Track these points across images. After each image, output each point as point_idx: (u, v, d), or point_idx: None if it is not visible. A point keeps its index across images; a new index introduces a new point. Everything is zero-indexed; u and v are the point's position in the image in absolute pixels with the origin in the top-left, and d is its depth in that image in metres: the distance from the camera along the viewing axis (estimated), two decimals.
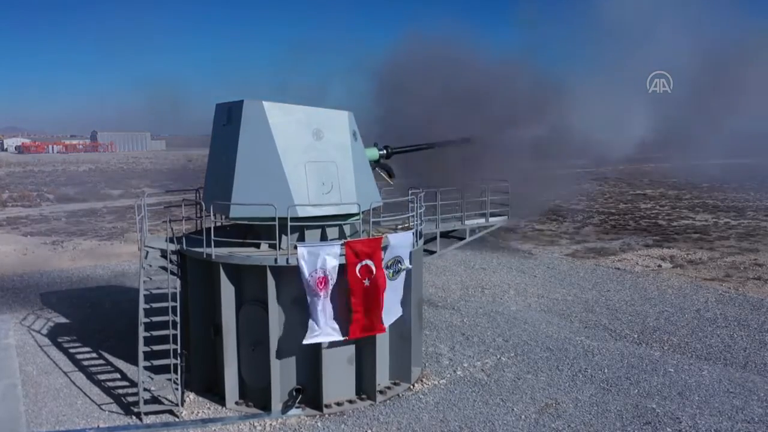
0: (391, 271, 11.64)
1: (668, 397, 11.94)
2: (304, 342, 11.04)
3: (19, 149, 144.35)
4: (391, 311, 11.79)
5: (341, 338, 11.23)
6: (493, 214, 15.66)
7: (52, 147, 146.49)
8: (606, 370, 13.31)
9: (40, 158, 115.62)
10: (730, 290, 20.03)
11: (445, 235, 15.09)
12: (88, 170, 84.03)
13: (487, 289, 20.67)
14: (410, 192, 13.31)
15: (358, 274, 11.04)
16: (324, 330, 11.05)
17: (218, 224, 12.94)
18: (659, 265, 23.96)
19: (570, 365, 13.63)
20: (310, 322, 11.01)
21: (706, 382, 12.63)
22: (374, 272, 11.16)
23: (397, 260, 11.68)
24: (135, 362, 12.10)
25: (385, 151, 14.93)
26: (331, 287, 10.97)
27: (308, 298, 10.97)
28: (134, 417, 11.43)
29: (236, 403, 11.94)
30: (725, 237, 30.17)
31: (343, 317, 11.20)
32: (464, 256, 24.95)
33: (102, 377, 13.24)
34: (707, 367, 13.54)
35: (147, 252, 12.19)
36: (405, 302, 12.25)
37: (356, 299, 11.14)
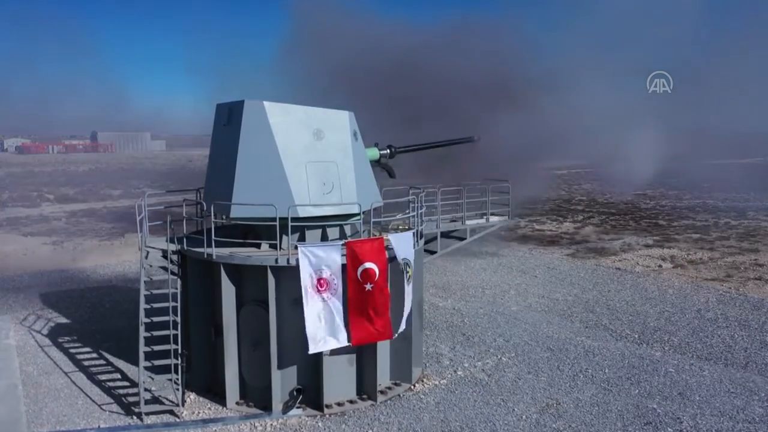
0: (405, 276, 11.57)
1: (669, 398, 11.93)
2: (310, 352, 10.96)
3: (20, 149, 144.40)
4: (403, 320, 11.75)
5: (346, 344, 11.17)
6: (493, 214, 15.69)
7: (52, 147, 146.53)
8: (607, 371, 13.30)
9: (40, 158, 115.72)
10: (731, 290, 20.02)
11: (445, 235, 15.10)
12: (88, 170, 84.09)
13: (487, 289, 20.66)
14: (411, 192, 13.34)
15: (360, 278, 10.97)
16: (327, 335, 10.97)
17: (219, 224, 12.93)
18: (660, 265, 23.95)
19: (571, 365, 13.62)
20: (311, 328, 10.87)
21: (707, 383, 12.62)
22: (377, 276, 11.06)
23: (407, 263, 11.64)
24: (135, 362, 12.11)
25: (387, 151, 14.93)
26: (333, 289, 10.94)
27: (306, 302, 10.82)
28: (135, 417, 11.41)
29: (237, 403, 11.93)
30: (725, 237, 30.17)
31: (346, 322, 11.13)
32: (465, 256, 24.93)
33: (102, 377, 13.23)
34: (708, 367, 13.53)
35: (147, 252, 12.18)
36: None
37: (359, 304, 11.05)
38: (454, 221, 15.16)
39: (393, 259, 11.51)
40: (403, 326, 11.84)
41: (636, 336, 15.71)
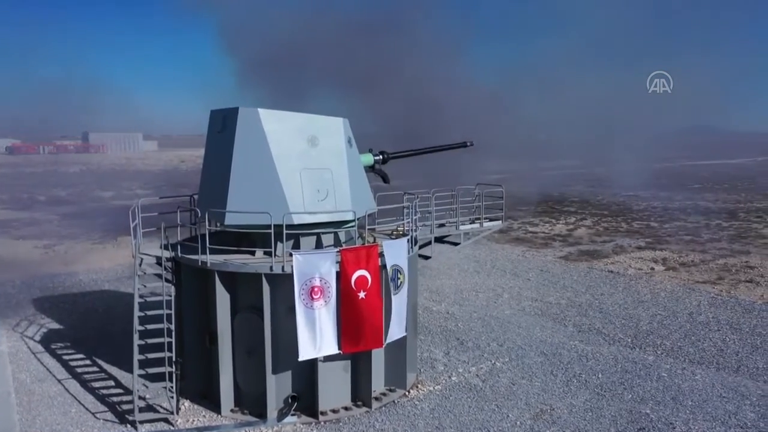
0: (394, 284, 11.62)
1: (662, 402, 12.02)
2: (300, 359, 10.96)
3: (10, 150, 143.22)
4: (395, 329, 11.75)
5: (336, 352, 11.19)
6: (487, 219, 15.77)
7: (43, 147, 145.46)
8: (600, 375, 13.38)
9: (30, 159, 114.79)
10: (722, 293, 20.16)
11: (439, 240, 15.15)
12: (79, 171, 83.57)
13: (481, 292, 20.72)
14: (405, 197, 13.38)
15: (354, 286, 10.99)
16: (318, 342, 10.98)
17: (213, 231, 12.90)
18: (652, 268, 24.09)
19: (564, 370, 13.69)
20: (303, 335, 10.88)
21: (699, 387, 12.72)
22: (370, 283, 11.10)
23: (396, 270, 11.66)
24: (129, 369, 12.06)
25: (380, 157, 14.96)
26: (326, 297, 10.95)
27: (299, 310, 10.82)
28: (129, 425, 11.39)
29: (231, 410, 11.92)
30: (717, 239, 30.38)
31: (338, 329, 11.15)
32: (458, 260, 25.00)
33: (96, 385, 13.18)
34: (700, 371, 13.64)
35: (141, 259, 12.15)
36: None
37: (351, 311, 11.06)
38: (442, 226, 15.20)
39: (386, 266, 11.54)
40: (396, 335, 11.85)
41: (629, 340, 15.81)
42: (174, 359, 11.53)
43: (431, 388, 12.85)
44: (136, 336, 11.47)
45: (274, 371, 11.56)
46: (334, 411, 11.76)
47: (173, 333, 11.51)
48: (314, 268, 10.88)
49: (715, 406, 11.85)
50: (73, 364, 14.35)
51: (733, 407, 11.79)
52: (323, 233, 12.16)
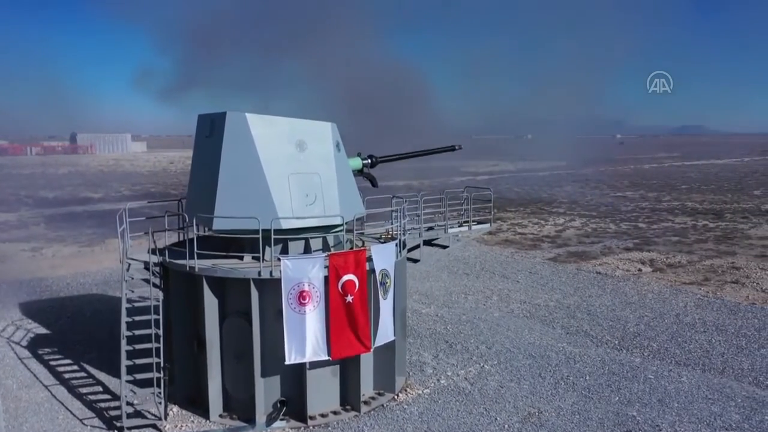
0: (383, 288, 11.65)
1: (648, 404, 12.12)
2: (287, 363, 10.97)
3: None
4: (383, 332, 11.78)
5: (325, 357, 11.21)
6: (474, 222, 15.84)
7: (30, 149, 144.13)
8: (588, 377, 13.47)
9: (17, 160, 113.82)
10: (708, 294, 20.36)
11: (428, 243, 15.19)
12: (67, 173, 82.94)
13: (470, 295, 20.79)
14: (393, 201, 13.42)
15: (341, 290, 11.02)
16: (307, 347, 10.99)
17: (201, 235, 12.86)
18: (639, 269, 24.27)
19: (552, 373, 13.78)
20: (290, 340, 10.89)
21: (685, 389, 12.84)
22: (357, 287, 11.14)
23: (385, 274, 11.69)
24: (117, 375, 12.01)
25: (369, 161, 14.99)
26: (315, 301, 10.96)
27: (286, 315, 10.82)
28: (117, 431, 11.34)
29: (220, 415, 11.90)
30: (703, 240, 30.67)
31: (327, 334, 11.16)
32: (447, 262, 25.07)
33: (84, 390, 13.11)
34: (686, 373, 13.77)
35: (129, 264, 12.09)
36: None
37: (339, 316, 11.09)
38: (431, 229, 15.24)
39: (374, 270, 11.57)
40: (384, 338, 11.87)
41: (616, 342, 15.93)
42: (162, 365, 11.48)
43: (420, 392, 12.89)
44: (123, 341, 11.42)
45: (263, 376, 11.55)
46: (322, 415, 11.77)
47: (161, 338, 11.46)
48: (302, 273, 10.89)
49: (701, 407, 11.97)
50: (60, 369, 14.25)
51: (719, 409, 11.92)
52: (312, 238, 12.16)
